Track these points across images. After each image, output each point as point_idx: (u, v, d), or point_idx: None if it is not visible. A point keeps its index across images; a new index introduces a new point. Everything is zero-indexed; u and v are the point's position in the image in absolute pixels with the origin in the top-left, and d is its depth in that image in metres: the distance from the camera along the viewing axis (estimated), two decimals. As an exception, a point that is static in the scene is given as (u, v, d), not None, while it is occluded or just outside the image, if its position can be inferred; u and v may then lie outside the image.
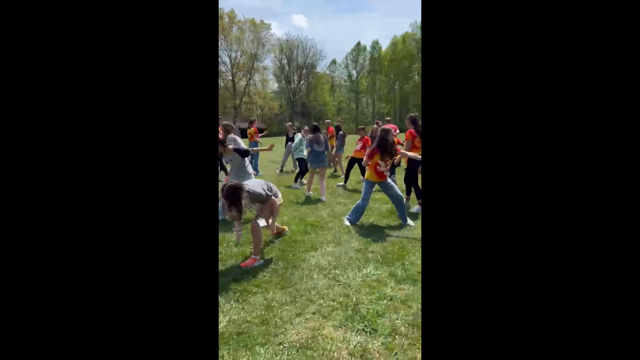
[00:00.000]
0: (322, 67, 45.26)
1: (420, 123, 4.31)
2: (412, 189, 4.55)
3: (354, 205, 3.87)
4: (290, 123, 8.54)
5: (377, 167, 3.69)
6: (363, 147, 5.56)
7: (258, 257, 2.78)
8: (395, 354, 1.66)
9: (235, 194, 2.52)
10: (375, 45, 50.50)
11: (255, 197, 2.74)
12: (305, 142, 5.64)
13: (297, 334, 1.82)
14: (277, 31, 76.50)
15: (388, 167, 3.74)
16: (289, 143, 7.54)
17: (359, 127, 6.24)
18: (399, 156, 3.80)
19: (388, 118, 8.28)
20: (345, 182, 6.02)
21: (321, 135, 5.28)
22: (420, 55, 47.85)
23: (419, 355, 1.64)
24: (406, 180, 4.56)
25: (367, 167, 3.78)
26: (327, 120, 8.68)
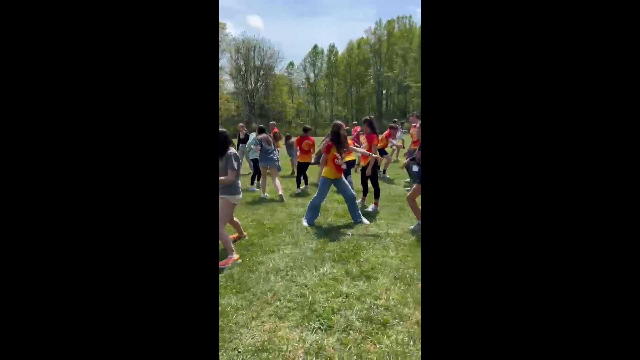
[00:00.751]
0: (279, 69, 45.01)
1: (375, 125, 4.47)
2: (368, 188, 4.71)
3: (309, 204, 3.91)
4: (242, 124, 8.11)
5: (335, 160, 3.79)
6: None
7: (234, 255, 2.78)
8: (350, 348, 1.72)
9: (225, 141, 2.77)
10: (332, 49, 51.40)
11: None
12: (255, 141, 5.60)
13: (252, 338, 1.80)
14: (232, 31, 74.63)
15: (344, 160, 3.87)
16: (241, 145, 7.34)
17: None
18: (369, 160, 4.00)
19: (355, 122, 8.40)
20: (301, 185, 6.03)
21: (269, 136, 5.35)
22: (374, 60, 49.62)
23: (372, 348, 1.71)
24: (363, 181, 4.70)
25: (324, 164, 3.85)
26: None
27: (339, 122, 3.95)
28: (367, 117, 4.50)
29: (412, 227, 3.65)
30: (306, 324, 1.92)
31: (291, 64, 49.29)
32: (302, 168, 5.90)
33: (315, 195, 3.87)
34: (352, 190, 3.94)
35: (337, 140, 3.76)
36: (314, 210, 3.86)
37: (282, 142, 7.42)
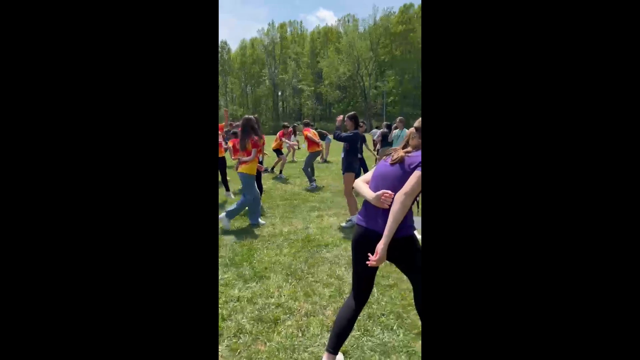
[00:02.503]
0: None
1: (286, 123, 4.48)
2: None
3: (242, 207, 3.72)
4: None
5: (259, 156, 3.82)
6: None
7: None
8: (239, 352, 1.69)
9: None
10: (224, 45, 49.28)
11: None
12: None
13: None
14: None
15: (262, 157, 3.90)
16: None
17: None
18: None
19: (286, 123, 8.45)
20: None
21: None
22: (268, 61, 49.76)
23: (262, 347, 1.72)
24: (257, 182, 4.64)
25: (246, 162, 3.69)
26: None
27: (249, 116, 3.89)
28: (246, 116, 4.18)
29: (344, 224, 3.77)
30: (192, 337, 1.80)
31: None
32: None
33: (246, 195, 3.70)
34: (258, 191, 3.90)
35: (256, 133, 3.76)
36: (254, 208, 3.82)
37: None
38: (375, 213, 1.43)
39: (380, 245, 1.33)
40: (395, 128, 5.92)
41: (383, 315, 1.99)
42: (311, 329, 1.87)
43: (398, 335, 1.79)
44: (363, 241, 1.45)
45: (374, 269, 1.49)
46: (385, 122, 6.92)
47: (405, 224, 1.40)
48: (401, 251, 1.42)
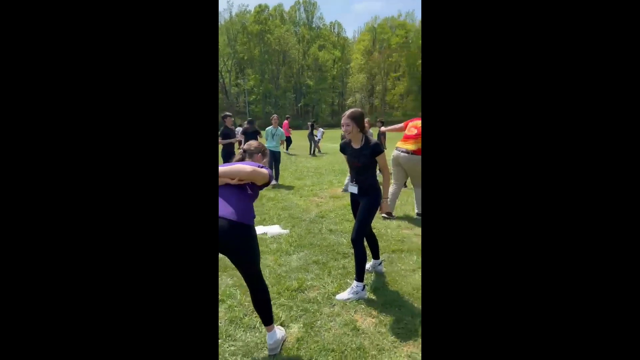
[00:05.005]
0: None
1: None
2: None
3: None
4: None
5: None
6: None
7: None
8: None
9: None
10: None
11: None
12: None
13: None
14: None
15: None
16: None
17: None
18: None
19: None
20: None
21: None
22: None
23: None
24: None
25: None
26: None
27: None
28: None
29: None
30: None
31: None
32: None
33: None
34: None
35: None
36: None
37: None
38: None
39: None
40: (269, 126, 6.08)
41: (246, 315, 1.97)
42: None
43: (261, 332, 1.82)
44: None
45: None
46: (249, 118, 6.89)
47: (250, 214, 1.55)
48: (239, 240, 1.49)
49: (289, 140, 11.31)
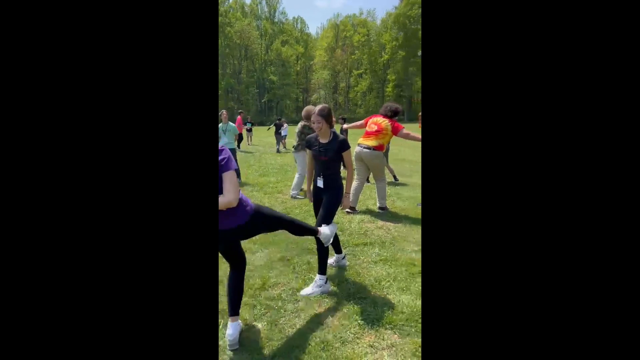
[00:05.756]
0: None
1: None
2: None
3: None
4: None
5: None
6: None
7: None
8: None
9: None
10: None
11: None
12: None
13: None
14: None
15: None
16: None
17: None
18: None
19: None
20: None
21: None
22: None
23: None
24: None
25: None
26: None
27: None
28: None
29: None
30: None
31: None
32: None
33: None
34: None
35: None
36: None
37: None
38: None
39: None
40: (220, 122, 5.84)
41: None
42: None
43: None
44: None
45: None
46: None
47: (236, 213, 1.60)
48: (226, 244, 1.67)
49: (240, 137, 11.09)
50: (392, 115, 3.86)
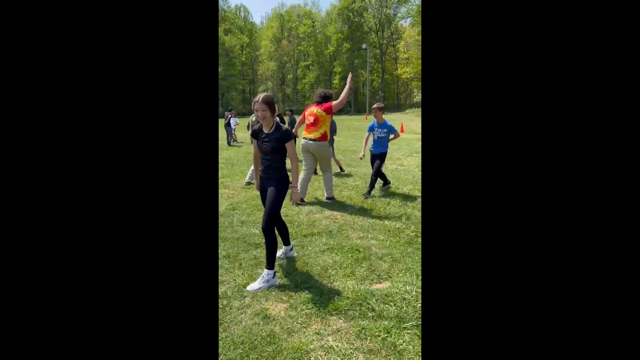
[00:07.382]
0: None
1: None
2: None
3: None
4: None
5: None
6: None
7: None
8: None
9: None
10: None
11: None
12: None
13: None
14: None
15: None
16: None
17: None
18: None
19: None
20: None
21: None
22: None
23: None
24: None
25: None
26: None
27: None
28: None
29: None
30: None
31: None
32: None
33: None
34: None
35: None
36: None
37: None
38: None
39: None
40: None
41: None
42: None
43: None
44: None
45: None
46: None
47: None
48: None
49: None
50: (323, 100, 3.91)
